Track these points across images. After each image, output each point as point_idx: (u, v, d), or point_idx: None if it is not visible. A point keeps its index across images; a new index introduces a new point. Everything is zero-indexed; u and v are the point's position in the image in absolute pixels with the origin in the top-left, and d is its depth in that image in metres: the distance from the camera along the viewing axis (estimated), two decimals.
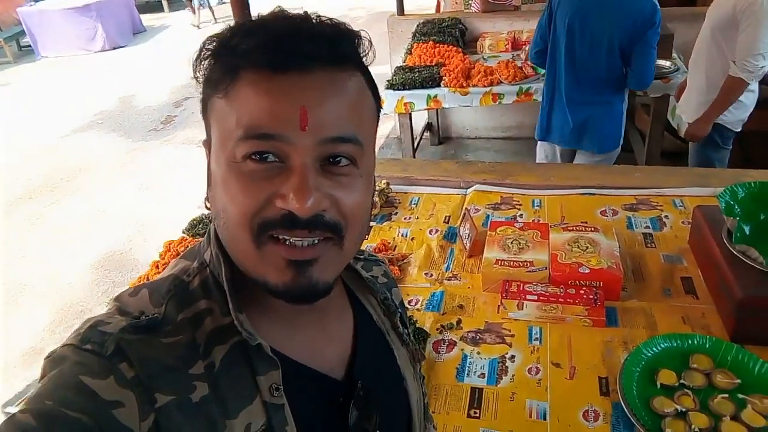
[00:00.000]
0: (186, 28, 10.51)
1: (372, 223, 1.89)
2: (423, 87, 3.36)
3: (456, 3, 4.90)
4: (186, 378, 0.52)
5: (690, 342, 1.26)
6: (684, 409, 1.10)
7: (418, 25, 4.27)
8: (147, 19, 11.15)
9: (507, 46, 3.88)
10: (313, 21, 0.53)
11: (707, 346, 1.24)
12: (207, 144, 0.59)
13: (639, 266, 1.56)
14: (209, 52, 0.54)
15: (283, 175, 0.51)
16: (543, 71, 2.80)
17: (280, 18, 0.53)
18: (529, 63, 3.43)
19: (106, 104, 6.99)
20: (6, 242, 4.18)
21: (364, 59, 0.57)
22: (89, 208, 4.51)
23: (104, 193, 4.74)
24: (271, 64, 0.50)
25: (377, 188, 1.95)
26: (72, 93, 7.61)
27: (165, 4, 12.61)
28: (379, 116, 0.61)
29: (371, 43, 0.57)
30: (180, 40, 9.82)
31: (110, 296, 1.67)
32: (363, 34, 0.56)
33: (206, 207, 0.60)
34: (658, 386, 1.17)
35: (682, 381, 1.17)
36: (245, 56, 0.51)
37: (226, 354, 0.54)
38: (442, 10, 5.11)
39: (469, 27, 4.30)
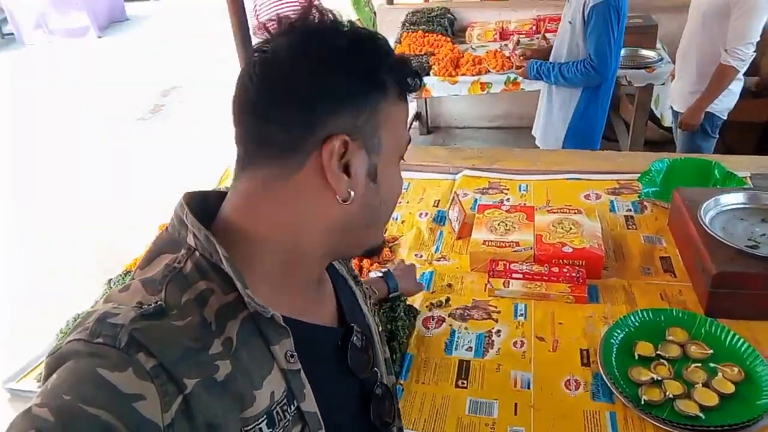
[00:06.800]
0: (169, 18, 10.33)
1: None
2: None
3: None
4: (207, 359, 0.52)
5: (666, 316, 1.32)
6: (659, 378, 1.17)
7: (407, 15, 4.30)
8: (130, 7, 11.01)
9: (495, 36, 3.93)
10: None
11: (683, 319, 1.31)
12: (345, 143, 0.58)
13: (620, 246, 1.62)
14: (390, 57, 0.62)
15: None
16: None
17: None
18: (516, 53, 3.48)
19: (92, 94, 6.93)
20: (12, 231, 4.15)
21: None
22: (81, 203, 4.48)
23: (94, 186, 4.71)
24: (410, 91, 0.66)
25: None
26: (56, 83, 7.53)
27: None
28: None
29: None
30: (163, 30, 9.72)
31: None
32: None
33: (343, 201, 0.60)
34: (636, 357, 1.23)
35: (658, 352, 1.23)
36: (410, 76, 0.64)
37: (239, 328, 0.55)
38: None
39: (457, 17, 4.33)
